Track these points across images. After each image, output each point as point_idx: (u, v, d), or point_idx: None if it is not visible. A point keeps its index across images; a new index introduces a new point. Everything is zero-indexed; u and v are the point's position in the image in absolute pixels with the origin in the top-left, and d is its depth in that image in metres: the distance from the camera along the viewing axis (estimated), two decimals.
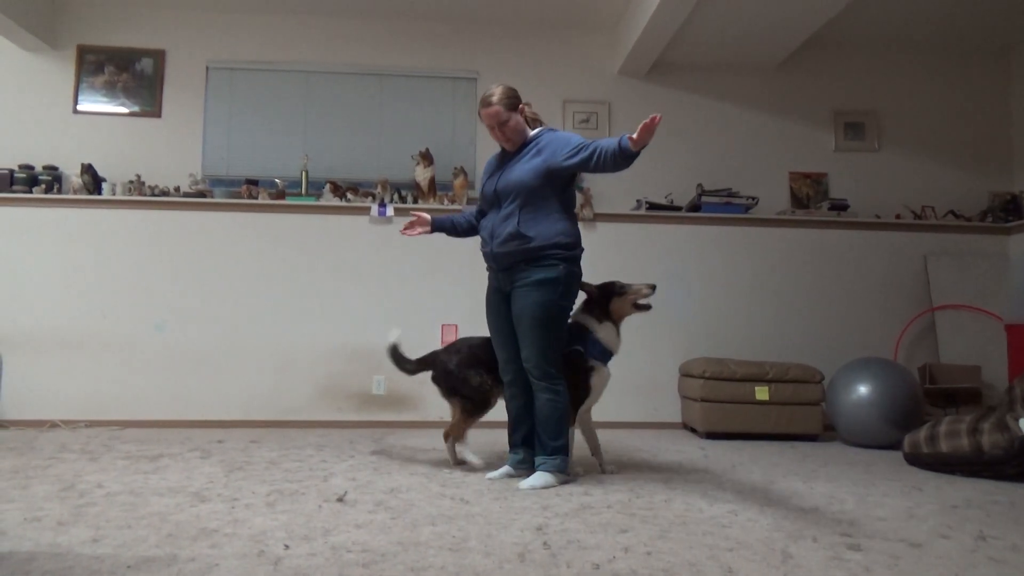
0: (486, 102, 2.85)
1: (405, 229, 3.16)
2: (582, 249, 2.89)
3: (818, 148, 5.19)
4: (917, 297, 4.94)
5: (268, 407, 4.51)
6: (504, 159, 2.95)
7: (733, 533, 2.10)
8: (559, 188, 2.84)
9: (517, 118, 2.88)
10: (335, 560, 1.79)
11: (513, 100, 2.86)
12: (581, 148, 2.73)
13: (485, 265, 3.05)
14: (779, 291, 4.91)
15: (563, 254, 2.78)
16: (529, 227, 2.77)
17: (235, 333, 4.55)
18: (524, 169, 2.81)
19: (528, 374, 2.84)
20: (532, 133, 2.93)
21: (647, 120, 2.46)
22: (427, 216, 3.14)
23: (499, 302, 2.95)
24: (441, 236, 3.20)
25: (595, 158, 2.68)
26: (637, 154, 2.58)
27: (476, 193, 4.76)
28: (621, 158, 2.60)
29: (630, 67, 4.96)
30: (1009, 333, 4.63)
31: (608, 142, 2.65)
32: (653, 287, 3.04)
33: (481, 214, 3.10)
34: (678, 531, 2.11)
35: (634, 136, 2.51)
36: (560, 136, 2.86)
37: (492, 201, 2.93)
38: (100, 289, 4.51)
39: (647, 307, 3.04)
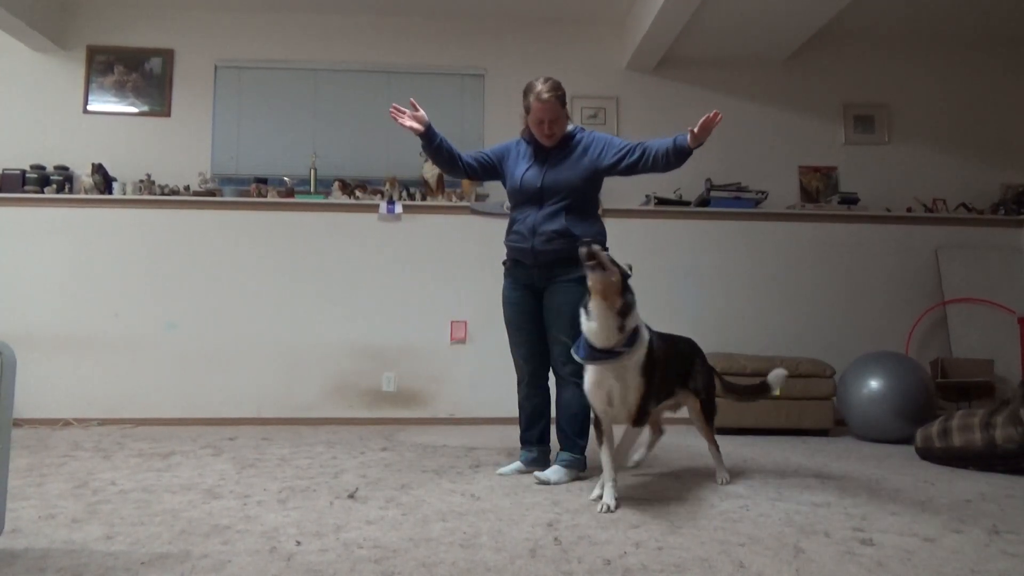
0: (542, 96, 2.78)
1: (395, 111, 2.91)
2: None
3: (828, 141, 5.15)
4: (929, 291, 4.90)
5: (279, 405, 4.53)
6: (538, 153, 2.89)
7: (745, 528, 2.09)
8: (597, 189, 2.93)
9: (567, 115, 2.89)
10: (347, 556, 1.80)
11: (563, 97, 2.86)
12: (629, 151, 2.78)
13: (502, 261, 3.01)
14: (789, 285, 4.88)
15: None
16: (576, 226, 2.80)
17: (245, 331, 4.57)
18: (574, 169, 2.83)
19: (560, 367, 2.82)
20: (568, 130, 2.91)
21: (708, 116, 2.51)
22: (425, 116, 2.92)
23: (524, 299, 2.92)
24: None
25: (645, 160, 2.75)
26: (691, 152, 2.64)
27: (484, 190, 4.78)
28: (675, 157, 2.67)
29: (638, 62, 4.94)
30: (1022, 326, 4.59)
31: (659, 143, 2.72)
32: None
33: (473, 160, 3.00)
34: (689, 526, 2.11)
35: (695, 130, 2.55)
36: (599, 137, 2.89)
37: (533, 196, 2.86)
38: (111, 288, 4.53)
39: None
